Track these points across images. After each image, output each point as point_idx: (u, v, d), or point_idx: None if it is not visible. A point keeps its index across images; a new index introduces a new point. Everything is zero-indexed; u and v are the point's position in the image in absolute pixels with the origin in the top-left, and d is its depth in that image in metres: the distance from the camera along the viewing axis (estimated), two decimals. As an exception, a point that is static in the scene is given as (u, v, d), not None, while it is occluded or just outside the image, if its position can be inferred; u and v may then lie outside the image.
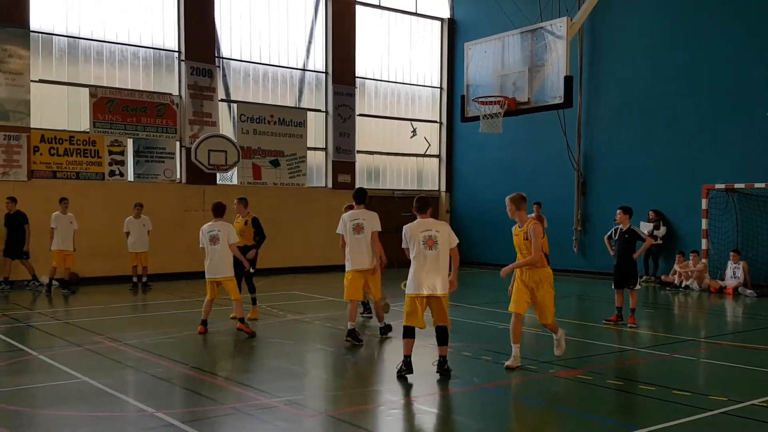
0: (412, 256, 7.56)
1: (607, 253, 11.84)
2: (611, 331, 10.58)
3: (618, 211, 11.24)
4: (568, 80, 12.77)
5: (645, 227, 16.32)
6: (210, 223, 10.07)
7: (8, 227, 14.94)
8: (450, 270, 7.67)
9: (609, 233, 11.62)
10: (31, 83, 16.07)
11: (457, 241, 7.68)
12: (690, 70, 17.10)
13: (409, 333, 7.56)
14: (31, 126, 16.04)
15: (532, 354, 8.69)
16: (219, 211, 10.02)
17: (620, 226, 11.21)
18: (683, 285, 15.92)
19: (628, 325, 10.76)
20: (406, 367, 7.43)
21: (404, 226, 7.70)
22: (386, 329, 9.94)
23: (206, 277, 9.96)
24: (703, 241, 16.27)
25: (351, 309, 9.34)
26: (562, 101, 12.89)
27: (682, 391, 6.94)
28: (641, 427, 5.83)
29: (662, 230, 17.05)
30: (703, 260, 16.02)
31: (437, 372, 7.47)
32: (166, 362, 8.18)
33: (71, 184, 16.36)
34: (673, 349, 9.24)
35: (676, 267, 16.36)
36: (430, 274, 7.40)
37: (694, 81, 17.01)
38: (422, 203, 7.73)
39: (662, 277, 16.77)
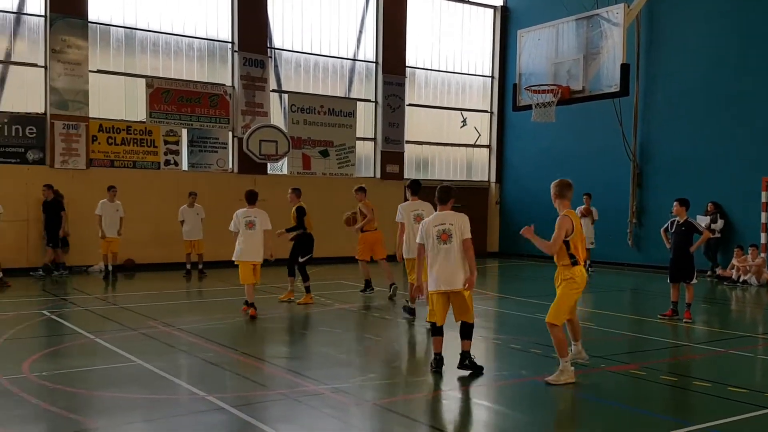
0: (426, 252, 7.28)
1: (663, 246, 11.54)
2: (666, 326, 10.32)
3: (674, 203, 10.93)
4: (625, 68, 12.47)
5: (702, 220, 15.85)
6: (245, 209, 10.53)
7: (46, 214, 15.33)
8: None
9: (665, 225, 11.31)
10: (90, 73, 16.49)
11: (469, 234, 7.26)
12: (750, 57, 16.48)
13: (436, 331, 7.31)
14: (90, 116, 16.49)
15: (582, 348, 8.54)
16: (252, 198, 10.60)
17: (677, 219, 10.91)
18: (741, 280, 15.43)
19: (684, 321, 10.48)
20: (436, 365, 7.22)
21: (421, 222, 7.54)
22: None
23: (240, 259, 10.36)
24: (762, 235, 15.72)
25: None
26: (618, 89, 12.60)
27: (739, 388, 6.72)
28: (696, 424, 5.68)
29: (720, 223, 16.53)
30: (762, 254, 15.49)
31: (458, 367, 7.16)
32: (218, 347, 8.32)
33: (128, 173, 16.78)
34: (729, 345, 8.96)
35: (734, 261, 15.86)
36: (446, 269, 7.12)
37: (754, 68, 16.40)
38: (445, 193, 7.39)
39: (719, 271, 16.27)
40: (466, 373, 7.18)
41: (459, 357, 7.19)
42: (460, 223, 7.23)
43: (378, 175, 20.69)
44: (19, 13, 16.03)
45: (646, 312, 11.68)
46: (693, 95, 17.66)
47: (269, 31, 18.97)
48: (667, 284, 11.03)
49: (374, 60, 20.71)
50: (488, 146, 23.31)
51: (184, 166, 17.81)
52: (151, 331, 9.21)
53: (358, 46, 20.58)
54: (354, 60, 20.52)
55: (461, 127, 22.59)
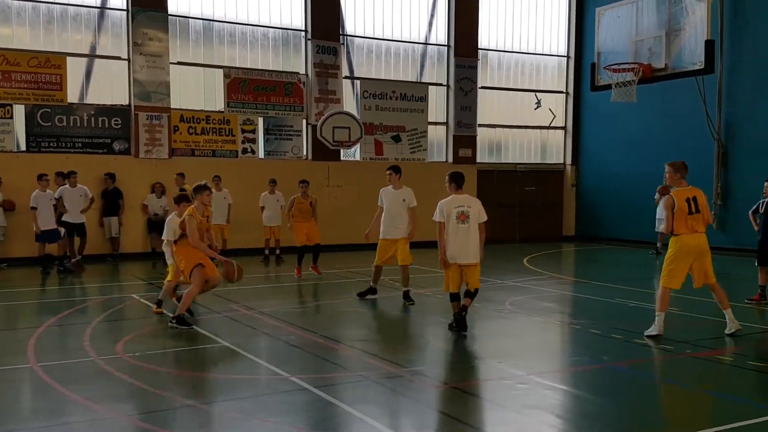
0: (447, 230, 8.20)
1: (750, 228, 11.08)
2: (754, 311, 9.94)
3: (766, 183, 10.48)
4: (709, 44, 12.00)
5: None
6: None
7: (105, 200, 15.95)
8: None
9: (755, 207, 10.86)
10: (170, 65, 17.02)
11: (486, 218, 8.31)
12: None
13: (454, 297, 8.38)
14: (171, 106, 17.04)
15: (665, 333, 8.33)
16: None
17: (766, 200, 10.46)
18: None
19: (773, 305, 10.07)
20: (458, 324, 8.27)
21: (439, 202, 8.35)
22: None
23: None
24: None
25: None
26: (702, 66, 12.16)
27: (837, 377, 6.43)
28: (789, 413, 5.48)
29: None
30: None
31: (455, 318, 8.28)
32: (298, 330, 8.53)
33: (207, 161, 17.28)
34: (825, 332, 8.56)
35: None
36: (463, 246, 8.13)
37: None
38: (462, 179, 8.38)
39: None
40: (542, 359, 7.12)
41: (458, 309, 8.29)
42: (476, 206, 8.30)
43: (450, 160, 20.60)
44: (103, 7, 16.67)
45: (733, 297, 11.19)
46: (782, 70, 16.79)
47: (341, 17, 19.09)
48: (755, 268, 10.60)
49: (446, 43, 20.57)
50: (563, 128, 22.84)
51: (261, 154, 18.21)
52: (233, 314, 9.52)
53: (429, 30, 20.48)
54: (425, 44, 20.43)
55: (535, 108, 22.20)
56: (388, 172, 10.60)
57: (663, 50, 12.56)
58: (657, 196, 17.19)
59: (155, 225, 16.33)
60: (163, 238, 9.73)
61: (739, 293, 11.12)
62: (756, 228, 10.75)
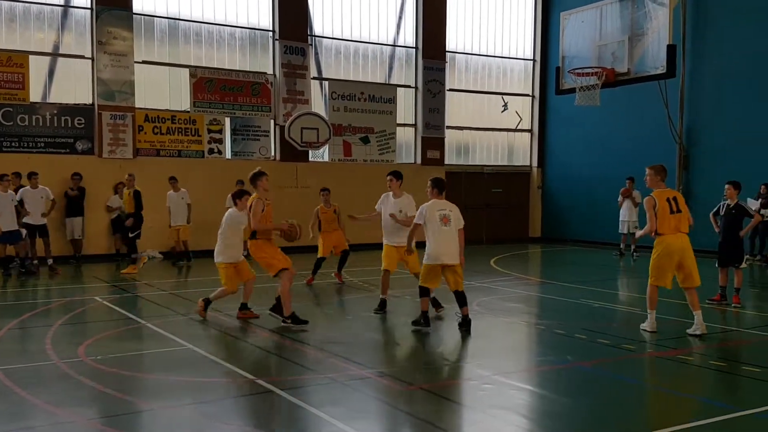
0: (428, 232, 8.46)
1: (711, 230, 11.32)
2: (715, 311, 10.14)
3: (727, 186, 10.73)
4: (671, 49, 12.25)
5: (753, 204, 15.46)
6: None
7: (68, 200, 15.62)
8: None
9: (715, 209, 11.11)
10: (135, 64, 16.80)
11: (463, 223, 8.63)
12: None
13: (426, 293, 8.65)
14: (136, 106, 16.82)
15: (629, 333, 8.47)
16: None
17: (728, 202, 10.70)
18: (794, 264, 15.05)
19: (733, 305, 10.30)
20: (424, 321, 8.62)
21: (422, 206, 8.62)
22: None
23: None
24: (817, 218, 15.29)
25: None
26: (664, 71, 12.39)
27: (792, 375, 6.60)
28: (746, 409, 5.60)
29: (771, 207, 16.10)
30: (817, 238, 15.07)
31: (460, 328, 8.55)
32: (265, 332, 8.48)
33: (173, 161, 17.09)
34: (782, 331, 8.78)
35: (786, 245, 15.46)
36: (447, 246, 8.38)
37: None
38: (442, 185, 8.69)
39: (770, 256, 15.89)
40: (509, 359, 7.18)
41: (461, 321, 8.59)
42: (456, 211, 8.60)
43: (419, 161, 20.67)
44: (67, 6, 16.39)
45: (694, 297, 11.47)
46: (742, 76, 17.19)
47: (309, 18, 19.04)
48: (715, 269, 10.83)
49: (414, 45, 20.65)
50: (530, 131, 23.08)
51: (228, 154, 18.06)
52: (200, 317, 9.41)
53: (397, 32, 20.53)
54: (394, 46, 20.48)
55: (502, 111, 22.41)
56: (388, 178, 10.06)
57: (626, 55, 12.78)
58: (620, 198, 17.48)
59: (120, 226, 16.13)
60: (219, 233, 9.59)
61: (701, 294, 11.31)
62: (717, 230, 10.98)
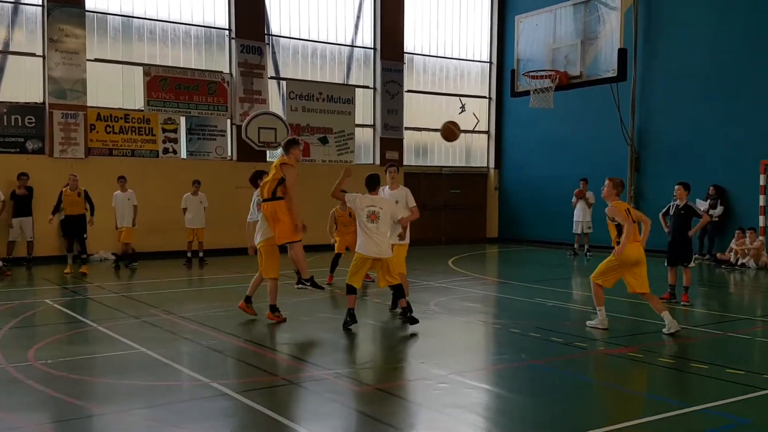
0: (358, 227, 8.70)
1: (661, 230, 11.60)
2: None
3: (677, 186, 11.01)
4: (622, 53, 12.50)
5: (701, 204, 15.90)
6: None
7: (15, 201, 15.10)
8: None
9: (665, 209, 11.39)
10: (87, 62, 16.47)
11: (414, 203, 9.29)
12: (750, 41, 16.48)
13: (353, 291, 8.76)
14: (88, 104, 16.48)
15: (582, 332, 8.63)
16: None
17: (677, 202, 10.98)
18: (739, 263, 15.52)
19: (681, 303, 10.57)
20: (351, 318, 8.65)
21: (357, 195, 8.79)
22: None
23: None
24: (761, 218, 15.80)
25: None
26: (615, 74, 12.65)
27: (736, 370, 6.81)
28: (694, 405, 5.76)
29: (719, 209, 16.57)
30: (761, 238, 15.57)
31: (403, 320, 8.85)
32: (220, 335, 8.39)
33: (127, 161, 16.80)
34: (727, 328, 9.05)
35: (732, 245, 15.94)
36: (372, 244, 8.54)
37: (754, 52, 16.40)
38: (376, 181, 8.84)
39: (717, 254, 16.36)
40: (464, 358, 7.25)
41: (401, 312, 8.92)
42: (388, 206, 8.76)
43: (378, 162, 20.70)
44: (17, 2, 15.98)
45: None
46: (692, 79, 17.66)
47: (267, 17, 18.92)
48: (665, 268, 11.11)
49: (372, 46, 20.68)
50: (487, 132, 23.32)
51: (183, 154, 17.83)
52: (153, 319, 9.28)
53: (356, 33, 20.54)
54: (352, 46, 20.48)
55: (460, 113, 22.56)
56: (392, 169, 9.89)
57: (579, 58, 13.02)
58: (574, 199, 17.79)
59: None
60: (249, 219, 9.48)
61: (651, 292, 11.61)
62: (666, 229, 11.25)
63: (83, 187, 14.24)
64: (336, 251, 12.90)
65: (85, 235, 14.19)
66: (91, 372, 6.92)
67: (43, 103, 16.09)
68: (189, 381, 6.51)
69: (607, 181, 8.90)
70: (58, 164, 16.00)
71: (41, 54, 16.07)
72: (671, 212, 11.11)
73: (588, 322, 8.93)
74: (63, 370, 6.75)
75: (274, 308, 9.20)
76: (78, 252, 14.26)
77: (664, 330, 8.49)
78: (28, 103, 16.02)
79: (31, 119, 15.95)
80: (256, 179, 9.62)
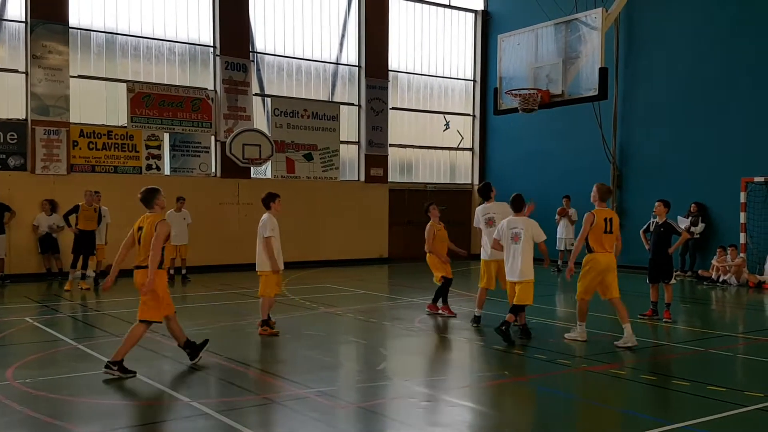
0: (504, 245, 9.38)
1: (643, 247, 11.70)
2: (646, 326, 10.45)
3: (657, 203, 11.11)
4: (603, 72, 12.62)
5: (682, 222, 16.05)
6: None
7: None
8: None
9: (645, 226, 11.50)
10: (71, 79, 16.40)
11: (544, 237, 9.78)
12: (729, 61, 16.74)
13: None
14: (71, 121, 16.39)
15: (565, 348, 8.65)
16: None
17: (656, 220, 11.07)
18: (721, 280, 15.65)
19: (663, 320, 10.64)
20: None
21: (503, 221, 9.64)
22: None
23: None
24: (742, 235, 15.95)
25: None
26: (597, 93, 12.75)
27: (718, 387, 6.84)
28: (676, 423, 5.77)
29: (700, 227, 16.73)
30: (742, 255, 15.72)
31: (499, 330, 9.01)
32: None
33: (109, 177, 16.70)
34: (709, 345, 9.11)
35: (714, 262, 16.08)
36: (513, 263, 9.49)
37: (733, 72, 16.65)
38: (521, 202, 9.67)
39: (699, 271, 16.50)
40: (448, 376, 7.24)
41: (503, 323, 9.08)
42: (529, 228, 9.53)
43: (362, 179, 20.74)
44: (0, 19, 15.93)
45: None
46: (673, 98, 17.89)
47: (251, 34, 18.97)
48: (647, 285, 11.18)
49: (357, 64, 20.78)
50: (471, 149, 23.45)
51: (167, 170, 17.75)
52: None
53: (340, 50, 20.64)
54: (337, 64, 20.57)
55: (444, 130, 22.72)
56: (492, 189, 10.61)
57: (560, 77, 13.13)
58: (557, 216, 17.91)
59: (48, 244, 15.63)
60: (265, 235, 9.29)
61: (633, 309, 11.66)
62: (647, 247, 11.35)
63: (97, 205, 14.66)
64: (449, 276, 11.40)
65: (94, 252, 14.59)
66: (71, 391, 6.83)
67: (26, 119, 15.98)
68: (169, 400, 6.45)
69: (595, 187, 9.28)
70: (40, 181, 15.87)
71: (24, 70, 15.99)
72: (651, 229, 11.20)
73: (566, 335, 9.15)
74: (42, 389, 6.66)
75: (265, 322, 9.48)
76: (82, 269, 14.46)
77: (618, 342, 8.66)
78: (10, 119, 15.91)
79: (13, 136, 15.83)
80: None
